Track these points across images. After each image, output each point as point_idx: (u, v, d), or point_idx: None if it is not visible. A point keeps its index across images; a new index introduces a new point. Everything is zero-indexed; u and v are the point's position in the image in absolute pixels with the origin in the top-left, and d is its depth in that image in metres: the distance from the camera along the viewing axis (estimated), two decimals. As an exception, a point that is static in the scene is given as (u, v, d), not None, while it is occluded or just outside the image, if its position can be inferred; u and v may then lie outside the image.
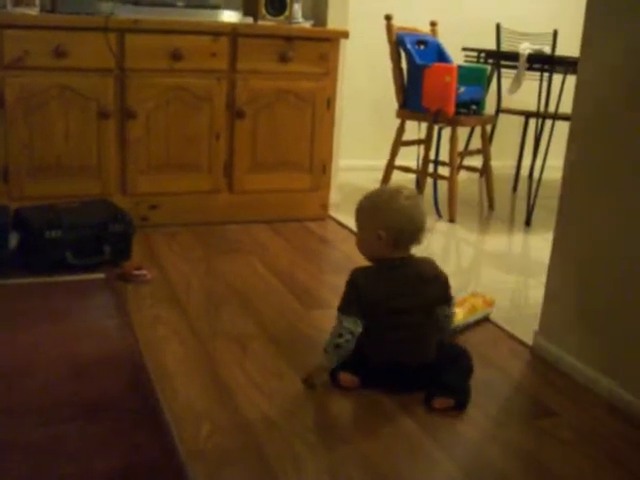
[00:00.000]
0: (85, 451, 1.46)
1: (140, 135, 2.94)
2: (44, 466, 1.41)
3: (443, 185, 3.55)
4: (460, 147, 3.89)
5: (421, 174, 3.65)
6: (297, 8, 3.21)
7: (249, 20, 3.15)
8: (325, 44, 3.15)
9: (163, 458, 1.46)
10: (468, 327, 2.20)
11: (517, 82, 3.74)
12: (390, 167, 3.72)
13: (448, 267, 1.87)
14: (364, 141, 4.32)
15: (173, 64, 2.92)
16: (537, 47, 3.70)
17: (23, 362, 1.82)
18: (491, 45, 4.23)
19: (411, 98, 3.57)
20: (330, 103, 3.23)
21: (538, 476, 1.52)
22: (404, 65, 3.62)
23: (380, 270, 1.80)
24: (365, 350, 1.77)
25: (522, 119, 4.29)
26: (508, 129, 4.51)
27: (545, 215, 3.42)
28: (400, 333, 1.75)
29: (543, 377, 1.96)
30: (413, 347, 1.77)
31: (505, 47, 4.25)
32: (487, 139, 3.81)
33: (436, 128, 3.57)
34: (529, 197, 3.53)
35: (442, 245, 3.23)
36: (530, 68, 3.69)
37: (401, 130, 3.66)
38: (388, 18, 3.56)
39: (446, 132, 3.49)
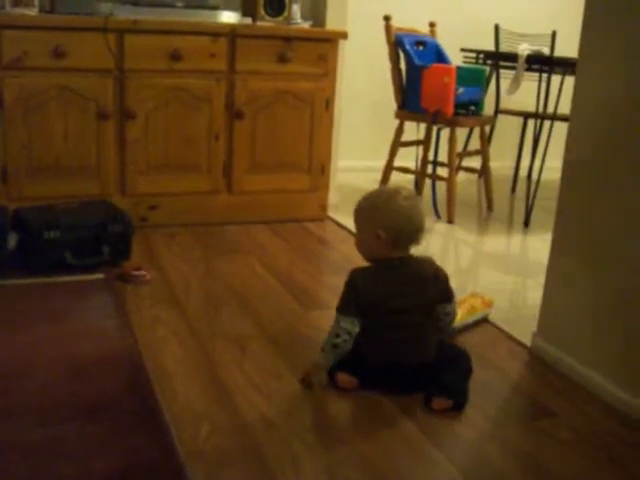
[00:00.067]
0: (84, 451, 1.46)
1: (139, 136, 2.94)
2: (43, 466, 1.41)
3: (442, 186, 3.55)
4: (459, 148, 3.90)
5: (420, 175, 3.65)
6: (296, 9, 3.21)
7: (248, 21, 3.15)
8: (324, 45, 3.15)
9: (162, 458, 1.46)
10: (467, 328, 2.20)
11: (516, 83, 3.74)
12: (389, 168, 3.72)
13: (447, 268, 1.87)
14: (363, 142, 4.33)
15: (172, 65, 2.92)
16: (536, 48, 3.70)
17: (22, 362, 1.82)
18: (490, 46, 4.23)
19: (410, 99, 3.57)
20: (329, 104, 3.23)
21: (537, 476, 1.52)
22: (403, 66, 3.62)
23: (379, 270, 1.80)
24: (364, 350, 1.78)
25: (521, 120, 4.29)
26: (507, 130, 4.51)
27: (544, 216, 3.42)
28: (399, 333, 1.75)
29: (542, 378, 1.96)
30: (413, 347, 1.77)
31: (504, 48, 4.25)
32: (486, 140, 3.82)
33: (435, 129, 3.57)
34: (528, 198, 3.54)
35: (441, 246, 3.23)
36: (529, 69, 3.69)
37: (400, 131, 3.66)
38: (387, 19, 3.57)
39: (445, 133, 3.49)
